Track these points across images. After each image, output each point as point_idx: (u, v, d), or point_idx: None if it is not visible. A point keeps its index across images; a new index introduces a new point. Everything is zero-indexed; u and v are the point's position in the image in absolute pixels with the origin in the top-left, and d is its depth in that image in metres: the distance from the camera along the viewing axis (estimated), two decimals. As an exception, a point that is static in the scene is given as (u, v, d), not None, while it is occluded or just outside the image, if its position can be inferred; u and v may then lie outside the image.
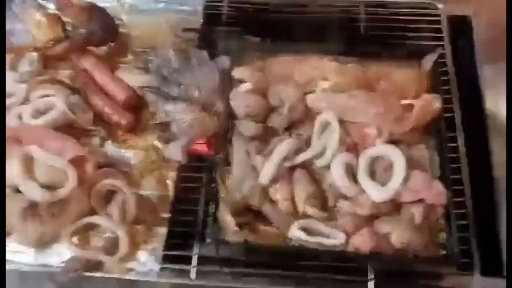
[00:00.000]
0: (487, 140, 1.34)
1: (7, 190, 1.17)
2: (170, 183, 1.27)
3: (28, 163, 1.17)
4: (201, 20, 1.53)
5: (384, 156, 1.17)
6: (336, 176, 1.14)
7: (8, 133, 1.23)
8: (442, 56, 1.37)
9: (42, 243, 1.17)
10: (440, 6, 1.51)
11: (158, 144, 1.32)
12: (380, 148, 1.18)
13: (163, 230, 1.21)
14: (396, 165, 1.14)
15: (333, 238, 1.11)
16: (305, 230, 1.12)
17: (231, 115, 1.29)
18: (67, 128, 1.31)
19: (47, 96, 1.34)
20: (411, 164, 1.17)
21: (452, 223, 1.15)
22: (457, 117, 1.32)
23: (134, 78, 1.39)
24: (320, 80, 1.29)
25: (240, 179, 1.18)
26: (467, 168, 1.26)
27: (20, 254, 1.18)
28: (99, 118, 1.35)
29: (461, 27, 1.52)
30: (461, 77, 1.41)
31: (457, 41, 1.48)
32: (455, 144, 1.28)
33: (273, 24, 1.53)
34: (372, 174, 1.17)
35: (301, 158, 1.19)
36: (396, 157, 1.15)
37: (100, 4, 1.52)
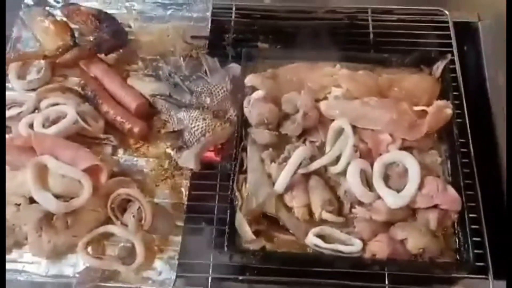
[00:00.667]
0: (496, 144, 1.37)
1: (21, 200, 1.16)
2: (184, 191, 1.27)
3: (42, 173, 1.16)
4: (210, 27, 1.53)
5: (398, 162, 1.18)
6: (353, 184, 1.15)
7: (20, 142, 1.22)
8: (451, 62, 1.38)
9: (57, 254, 1.16)
10: (447, 12, 1.52)
11: (170, 151, 1.32)
12: (394, 155, 1.19)
13: (178, 239, 1.20)
14: (411, 172, 1.15)
15: (350, 245, 1.12)
16: (322, 237, 1.13)
17: (244, 123, 1.29)
18: (78, 137, 1.30)
19: (57, 104, 1.33)
20: (424, 170, 1.18)
21: (466, 228, 1.15)
22: (467, 122, 1.33)
23: (145, 86, 1.38)
24: (332, 87, 1.29)
25: (256, 186, 1.18)
26: (477, 172, 1.27)
27: (34, 265, 1.17)
28: (111, 126, 1.34)
29: (468, 33, 1.54)
30: (470, 82, 1.43)
31: (465, 47, 1.51)
32: (466, 150, 1.29)
33: (281, 30, 1.54)
34: (386, 179, 1.18)
35: (316, 165, 1.20)
36: (411, 163, 1.16)
37: (108, 11, 1.52)
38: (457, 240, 1.16)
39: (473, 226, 1.17)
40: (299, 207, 1.16)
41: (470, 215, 1.17)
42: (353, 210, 1.16)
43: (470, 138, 1.31)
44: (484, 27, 1.54)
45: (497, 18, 1.56)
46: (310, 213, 1.16)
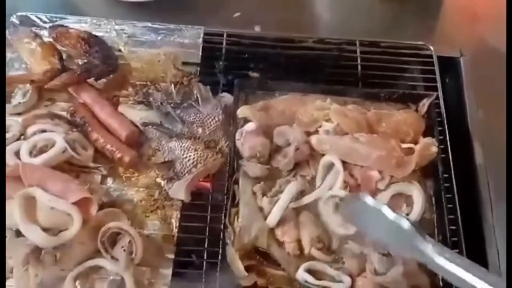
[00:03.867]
0: (476, 177, 1.42)
1: (8, 233, 1.13)
2: (174, 222, 1.27)
3: (30, 205, 1.13)
4: (201, 53, 1.53)
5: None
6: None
7: (7, 171, 1.19)
8: (436, 97, 1.43)
9: (44, 289, 1.14)
10: (431, 47, 1.57)
11: (161, 181, 1.31)
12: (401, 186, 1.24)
13: (168, 272, 1.19)
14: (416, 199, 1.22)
15: (339, 281, 1.14)
16: (312, 272, 1.15)
17: (236, 154, 1.29)
18: (66, 165, 1.28)
19: (45, 131, 1.30)
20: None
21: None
22: (450, 157, 1.37)
23: (136, 113, 1.37)
24: (323, 121, 1.32)
25: (248, 221, 1.19)
26: (459, 206, 1.32)
27: (19, 300, 1.14)
28: (100, 154, 1.32)
29: (451, 68, 1.59)
30: (452, 116, 1.48)
31: (448, 82, 1.56)
32: (449, 184, 1.33)
33: (272, 59, 1.55)
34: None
35: (307, 200, 1.22)
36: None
37: (98, 34, 1.50)
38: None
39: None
40: (290, 242, 1.17)
41: (453, 250, 1.21)
42: (341, 246, 1.19)
43: (453, 173, 1.35)
44: (465, 63, 1.60)
45: (477, 54, 1.62)
46: (301, 248, 1.18)
